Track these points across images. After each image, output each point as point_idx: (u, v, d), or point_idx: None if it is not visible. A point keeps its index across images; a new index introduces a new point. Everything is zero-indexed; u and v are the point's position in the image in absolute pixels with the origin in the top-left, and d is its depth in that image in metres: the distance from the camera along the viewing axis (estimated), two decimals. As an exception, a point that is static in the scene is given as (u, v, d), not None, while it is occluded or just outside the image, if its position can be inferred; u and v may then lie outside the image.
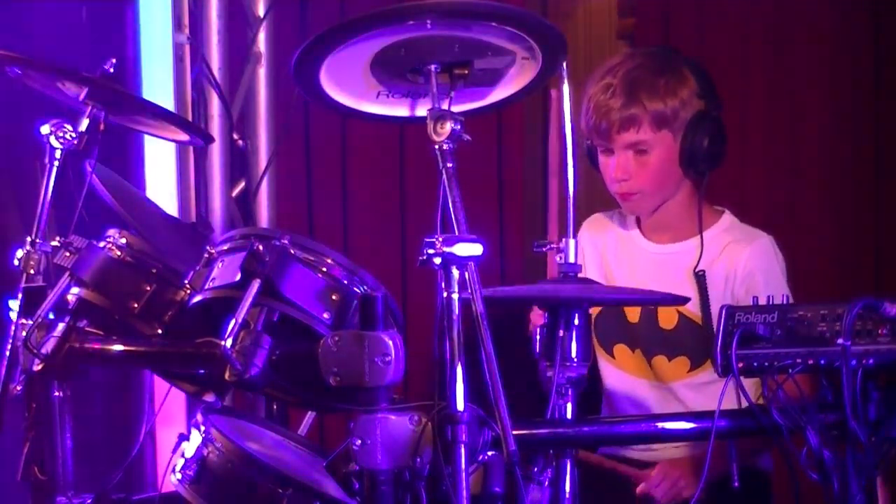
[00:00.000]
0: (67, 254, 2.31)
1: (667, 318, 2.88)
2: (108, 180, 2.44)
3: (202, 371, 2.27)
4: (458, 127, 2.10)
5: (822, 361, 2.15)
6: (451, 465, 1.96)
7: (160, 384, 2.61)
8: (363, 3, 3.84)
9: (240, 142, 3.94)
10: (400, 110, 2.32)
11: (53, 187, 2.39)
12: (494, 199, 3.98)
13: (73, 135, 2.41)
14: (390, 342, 2.02)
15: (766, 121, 3.87)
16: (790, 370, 2.17)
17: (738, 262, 2.87)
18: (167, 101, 3.65)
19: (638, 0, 4.09)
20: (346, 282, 2.13)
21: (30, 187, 2.52)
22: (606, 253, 3.01)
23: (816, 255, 3.75)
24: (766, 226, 3.00)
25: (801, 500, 2.24)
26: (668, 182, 2.90)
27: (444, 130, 2.09)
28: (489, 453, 2.04)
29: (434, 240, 2.00)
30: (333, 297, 2.11)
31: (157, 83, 3.69)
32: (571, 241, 2.37)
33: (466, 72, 2.18)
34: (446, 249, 1.99)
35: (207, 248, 2.22)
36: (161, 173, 3.75)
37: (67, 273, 2.29)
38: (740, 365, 2.19)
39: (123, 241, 2.30)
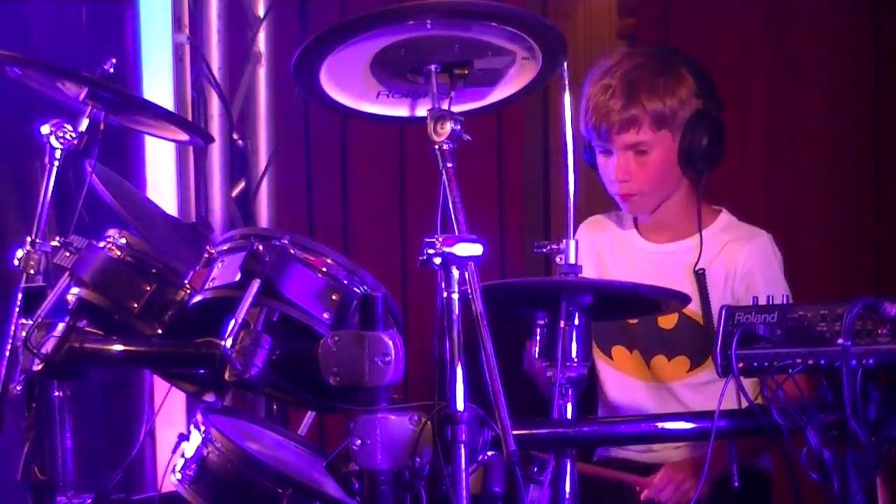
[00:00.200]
0: (67, 254, 2.31)
1: (666, 317, 2.88)
2: (108, 180, 2.45)
3: (202, 371, 2.27)
4: (458, 127, 2.10)
5: (822, 361, 2.15)
6: (450, 465, 1.96)
7: (160, 384, 2.62)
8: (363, 3, 3.85)
9: (240, 142, 3.94)
10: (400, 110, 2.32)
11: (53, 187, 2.39)
12: (494, 199, 3.98)
13: (74, 135, 2.41)
14: (390, 342, 2.02)
15: (766, 121, 3.86)
16: (790, 370, 2.17)
17: (738, 261, 2.87)
18: (167, 101, 3.65)
19: (638, 0, 4.09)
20: (346, 282, 2.13)
21: (30, 187, 2.52)
22: (604, 253, 3.02)
23: (816, 255, 3.75)
24: (766, 226, 3.00)
25: (801, 499, 2.24)
26: (667, 182, 2.91)
27: (444, 130, 2.09)
28: (489, 453, 2.04)
29: (434, 240, 2.00)
30: (333, 297, 2.11)
31: (157, 83, 3.69)
32: (571, 242, 2.37)
33: (466, 72, 2.18)
34: (446, 249, 1.99)
35: (207, 248, 2.22)
36: (161, 173, 3.75)
37: (67, 273, 2.29)
38: (740, 365, 2.19)
39: (123, 240, 2.30)
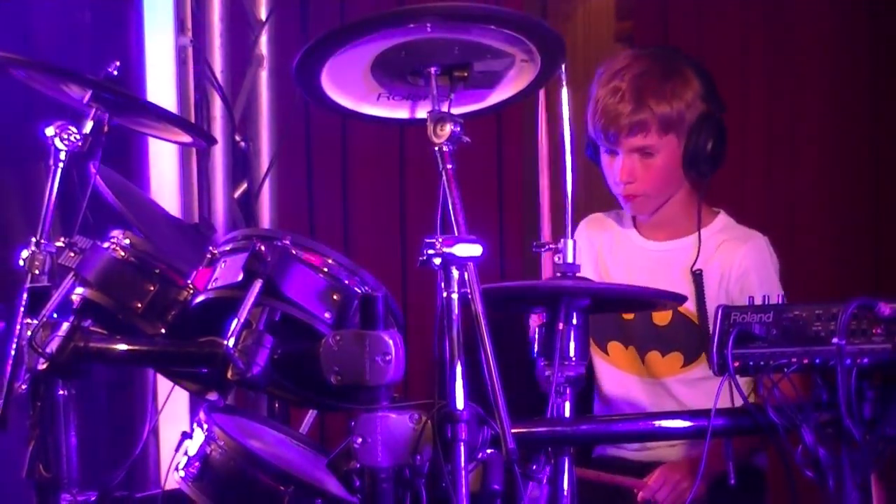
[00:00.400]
0: (72, 254, 2.32)
1: (661, 314, 2.90)
2: (111, 181, 2.46)
3: (205, 370, 2.28)
4: (458, 129, 2.10)
5: (818, 361, 2.16)
6: (450, 463, 1.98)
7: (163, 383, 2.63)
8: (364, 6, 3.87)
9: (242, 143, 3.95)
10: (400, 112, 2.33)
11: (58, 189, 2.40)
12: (494, 200, 3.98)
13: (78, 137, 2.41)
14: (391, 341, 2.03)
15: (766, 121, 3.87)
16: (786, 369, 2.18)
17: (733, 261, 2.89)
18: (170, 104, 3.65)
19: (636, 2, 4.10)
20: (347, 282, 2.14)
21: (34, 189, 2.53)
22: (603, 251, 3.03)
23: (816, 255, 3.75)
24: (766, 226, 3.01)
25: (796, 498, 2.25)
26: (671, 183, 2.93)
27: (443, 132, 2.10)
28: (488, 451, 2.06)
29: (434, 240, 2.01)
30: (334, 297, 2.13)
31: (161, 85, 3.69)
32: (570, 242, 2.38)
33: (466, 74, 2.19)
34: (446, 250, 2.00)
35: (210, 248, 2.24)
36: (164, 174, 3.76)
37: (72, 273, 2.30)
38: (736, 364, 2.20)
39: (127, 241, 2.30)
